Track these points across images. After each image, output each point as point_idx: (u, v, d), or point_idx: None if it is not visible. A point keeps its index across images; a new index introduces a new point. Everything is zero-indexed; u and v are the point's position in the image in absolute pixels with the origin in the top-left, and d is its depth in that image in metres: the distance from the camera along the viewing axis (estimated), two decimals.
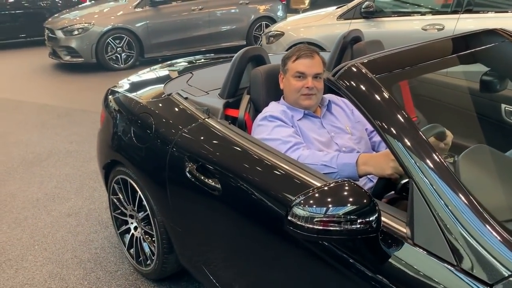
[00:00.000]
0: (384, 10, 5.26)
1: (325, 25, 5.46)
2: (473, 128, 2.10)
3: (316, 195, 1.18)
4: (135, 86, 2.59)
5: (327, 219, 1.15)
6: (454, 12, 4.69)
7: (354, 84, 1.42)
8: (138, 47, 7.33)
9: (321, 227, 1.15)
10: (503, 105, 2.36)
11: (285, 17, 8.44)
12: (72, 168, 3.80)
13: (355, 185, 1.20)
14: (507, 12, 4.59)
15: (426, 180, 1.18)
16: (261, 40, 6.44)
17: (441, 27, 4.63)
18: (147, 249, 2.35)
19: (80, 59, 7.19)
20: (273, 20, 8.32)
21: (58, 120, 5.06)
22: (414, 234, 1.19)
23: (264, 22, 8.40)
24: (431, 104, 2.64)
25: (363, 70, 1.44)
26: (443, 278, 1.11)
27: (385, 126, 1.31)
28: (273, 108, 1.94)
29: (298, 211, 1.18)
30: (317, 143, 1.87)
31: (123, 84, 2.66)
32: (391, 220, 1.26)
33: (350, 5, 5.31)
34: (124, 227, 2.50)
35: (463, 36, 1.89)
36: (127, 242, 2.49)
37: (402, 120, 1.31)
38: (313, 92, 1.91)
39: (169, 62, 3.18)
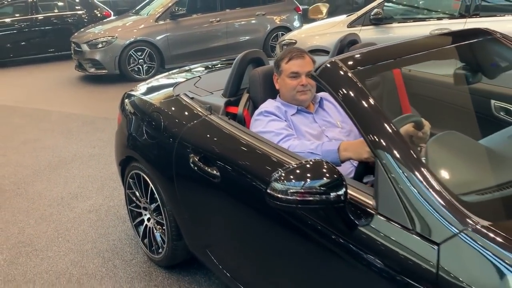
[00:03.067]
0: (392, 17, 5.41)
1: (335, 33, 5.62)
2: (466, 124, 2.24)
3: (291, 171, 1.36)
4: (149, 90, 2.82)
5: (302, 191, 1.33)
6: (462, 16, 4.81)
7: (330, 78, 1.60)
8: (159, 59, 7.65)
9: (297, 198, 1.33)
10: (492, 101, 2.50)
11: (301, 27, 8.65)
12: (94, 170, 4.06)
13: (326, 163, 1.37)
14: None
15: (388, 159, 1.34)
16: (276, 49, 6.65)
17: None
18: (158, 238, 2.55)
19: (104, 71, 7.55)
20: (289, 30, 8.52)
21: (83, 127, 5.37)
22: (378, 204, 1.35)
23: (280, 32, 8.62)
24: (428, 102, 2.77)
25: (340, 65, 1.62)
26: (401, 240, 1.27)
27: (357, 115, 1.49)
28: (268, 104, 2.13)
29: (276, 185, 1.36)
30: (308, 135, 2.04)
31: (139, 88, 2.89)
32: (360, 195, 1.43)
33: (360, 13, 5.47)
34: (138, 219, 2.71)
35: (447, 33, 2.05)
36: (141, 233, 2.70)
37: (369, 110, 1.48)
38: (308, 88, 2.10)
39: (186, 68, 3.40)
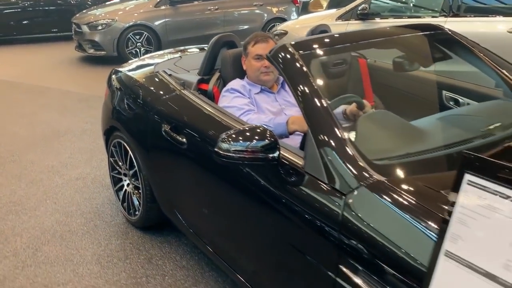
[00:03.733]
0: (379, 13, 5.64)
1: None
2: (418, 109, 2.49)
3: (233, 134, 1.62)
4: (134, 67, 3.07)
5: (241, 149, 1.59)
6: (443, 15, 5.03)
7: (281, 59, 1.85)
8: (156, 43, 7.88)
9: (237, 155, 1.59)
10: (444, 92, 2.74)
11: (296, 18, 8.86)
12: (85, 143, 4.32)
13: (263, 129, 1.63)
14: (494, 16, 4.90)
15: (316, 129, 1.60)
16: None
17: None
18: (136, 202, 2.82)
19: (102, 52, 7.79)
20: (285, 21, 8.76)
21: (78, 104, 5.62)
22: (305, 164, 1.61)
23: (277, 23, 8.83)
24: (388, 91, 3.01)
25: (289, 48, 1.87)
26: (319, 192, 1.53)
27: (298, 93, 1.74)
28: (235, 83, 2.38)
29: (222, 145, 1.62)
30: (268, 112, 2.30)
31: (125, 65, 3.15)
32: (294, 157, 1.68)
33: (348, 7, 5.70)
34: (119, 184, 2.97)
35: (401, 25, 2.30)
36: (121, 197, 2.96)
37: (309, 89, 1.72)
38: (270, 70, 2.34)
39: (182, 48, 3.62)
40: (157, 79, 2.60)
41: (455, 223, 1.07)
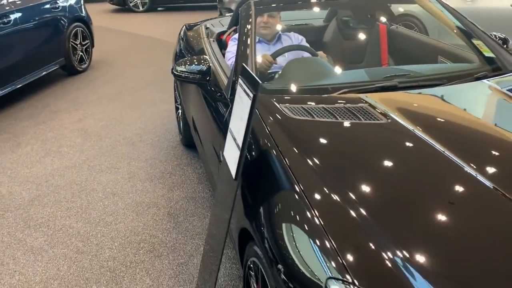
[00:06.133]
0: None
1: None
2: None
3: (186, 60, 2.39)
4: (199, 22, 3.95)
5: (185, 70, 2.35)
6: None
7: (241, 12, 2.51)
8: None
9: (182, 74, 2.36)
10: (439, 56, 3.01)
11: None
12: None
13: (205, 59, 2.36)
14: None
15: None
16: None
17: None
18: (180, 125, 3.76)
19: None
20: None
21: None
22: (225, 90, 2.30)
23: None
24: (402, 53, 3.34)
25: (250, 5, 2.52)
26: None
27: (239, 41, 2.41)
28: None
29: (177, 67, 2.40)
30: None
31: (193, 23, 4.06)
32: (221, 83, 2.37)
33: None
34: (177, 111, 3.95)
35: None
36: (178, 123, 3.95)
37: (244, 39, 2.36)
38: (268, 25, 2.98)
39: None
40: (197, 31, 3.46)
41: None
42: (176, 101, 3.98)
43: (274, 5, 2.63)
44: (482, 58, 2.50)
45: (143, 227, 2.78)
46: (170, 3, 12.00)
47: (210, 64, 2.35)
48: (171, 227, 2.77)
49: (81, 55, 6.07)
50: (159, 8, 12.14)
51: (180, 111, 3.86)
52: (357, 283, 1.13)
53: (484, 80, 2.18)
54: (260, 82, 1.49)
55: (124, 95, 5.23)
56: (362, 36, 3.33)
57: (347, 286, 1.13)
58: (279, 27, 3.02)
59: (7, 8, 4.75)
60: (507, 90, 2.05)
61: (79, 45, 5.98)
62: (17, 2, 4.93)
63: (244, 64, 2.04)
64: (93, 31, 6.33)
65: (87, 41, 6.18)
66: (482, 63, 2.47)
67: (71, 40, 5.77)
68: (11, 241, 2.69)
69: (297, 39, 3.08)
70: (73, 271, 2.43)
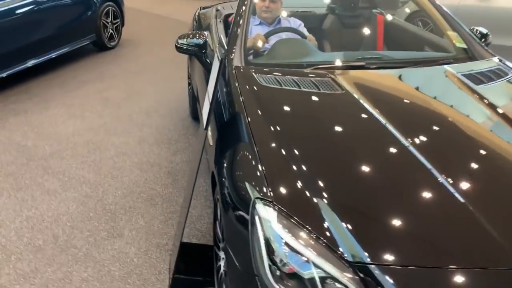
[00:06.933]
0: None
1: None
2: None
3: (188, 35, 2.73)
4: (210, 6, 4.29)
5: (186, 43, 2.70)
6: None
7: None
8: None
9: (183, 47, 2.71)
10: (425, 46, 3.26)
11: None
12: None
13: (202, 34, 2.69)
14: None
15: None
16: None
17: None
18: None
19: None
20: None
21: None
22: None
23: None
24: (396, 40, 3.59)
25: None
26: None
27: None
28: None
29: (179, 41, 2.74)
30: None
31: (208, 6, 4.40)
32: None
33: None
34: (189, 86, 4.32)
35: None
36: (188, 97, 4.31)
37: (237, 22, 2.69)
38: (269, 10, 3.29)
39: None
40: (208, 12, 3.81)
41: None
42: (188, 78, 4.34)
43: None
44: (456, 48, 2.75)
45: (145, 181, 3.17)
46: None
47: (207, 39, 2.69)
48: (169, 183, 3.14)
49: (111, 32, 6.52)
50: None
51: (190, 86, 4.22)
52: (275, 202, 1.45)
53: (445, 66, 2.43)
54: (227, 50, 1.82)
55: (146, 71, 5.64)
56: (359, 25, 3.59)
57: (267, 203, 1.46)
58: (279, 11, 3.33)
59: None
60: (461, 74, 2.31)
61: (109, 24, 6.43)
62: None
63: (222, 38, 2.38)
64: (124, 11, 6.76)
65: (117, 20, 6.62)
66: (457, 52, 2.72)
67: (103, 18, 6.22)
68: (32, 184, 3.13)
69: (296, 23, 3.37)
70: (80, 210, 2.84)
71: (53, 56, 5.41)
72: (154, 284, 2.27)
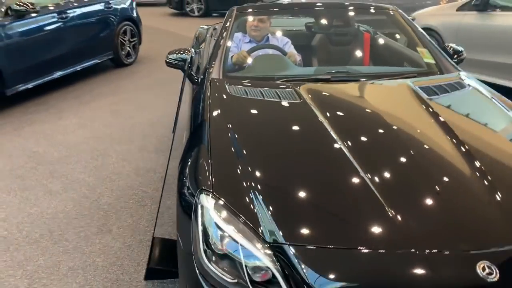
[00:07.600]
0: (496, 5, 5.69)
1: (444, 15, 6.21)
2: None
3: (176, 51, 3.01)
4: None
5: (174, 58, 2.97)
6: None
7: (226, 17, 3.11)
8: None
9: (172, 61, 2.98)
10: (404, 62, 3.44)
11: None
12: None
13: (189, 50, 2.96)
14: None
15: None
16: None
17: None
18: None
19: None
20: None
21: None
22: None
23: None
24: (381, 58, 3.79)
25: (240, 9, 3.11)
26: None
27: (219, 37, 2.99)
28: (237, 34, 3.67)
29: (169, 56, 3.02)
30: None
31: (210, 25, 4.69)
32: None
33: None
34: None
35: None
36: None
37: (222, 39, 2.95)
38: (258, 28, 3.55)
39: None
40: (206, 31, 4.11)
41: None
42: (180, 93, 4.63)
43: (250, 10, 3.22)
44: (426, 63, 2.93)
45: (139, 185, 3.43)
46: (224, 9, 12.83)
47: (192, 55, 2.95)
48: (161, 187, 3.39)
49: (129, 50, 6.92)
50: (214, 14, 13.00)
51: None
52: (214, 192, 1.67)
53: (408, 79, 2.61)
54: (207, 63, 2.08)
55: (157, 86, 5.97)
56: (347, 42, 3.81)
57: (207, 194, 1.68)
58: (268, 30, 3.58)
59: (67, 6, 5.66)
60: (418, 87, 2.48)
61: (127, 41, 6.84)
62: (75, 4, 5.83)
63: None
64: (141, 30, 7.18)
65: (135, 39, 7.03)
66: (427, 68, 2.90)
67: (120, 36, 6.63)
68: (37, 185, 3.44)
69: (283, 41, 3.61)
70: (76, 209, 3.12)
71: (78, 69, 5.86)
72: (132, 274, 2.51)
